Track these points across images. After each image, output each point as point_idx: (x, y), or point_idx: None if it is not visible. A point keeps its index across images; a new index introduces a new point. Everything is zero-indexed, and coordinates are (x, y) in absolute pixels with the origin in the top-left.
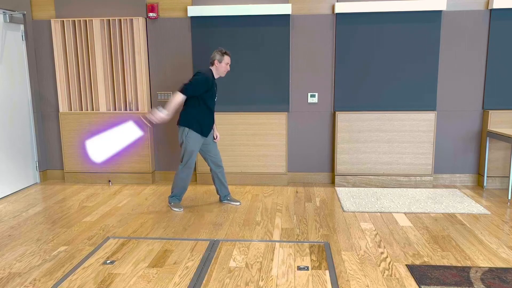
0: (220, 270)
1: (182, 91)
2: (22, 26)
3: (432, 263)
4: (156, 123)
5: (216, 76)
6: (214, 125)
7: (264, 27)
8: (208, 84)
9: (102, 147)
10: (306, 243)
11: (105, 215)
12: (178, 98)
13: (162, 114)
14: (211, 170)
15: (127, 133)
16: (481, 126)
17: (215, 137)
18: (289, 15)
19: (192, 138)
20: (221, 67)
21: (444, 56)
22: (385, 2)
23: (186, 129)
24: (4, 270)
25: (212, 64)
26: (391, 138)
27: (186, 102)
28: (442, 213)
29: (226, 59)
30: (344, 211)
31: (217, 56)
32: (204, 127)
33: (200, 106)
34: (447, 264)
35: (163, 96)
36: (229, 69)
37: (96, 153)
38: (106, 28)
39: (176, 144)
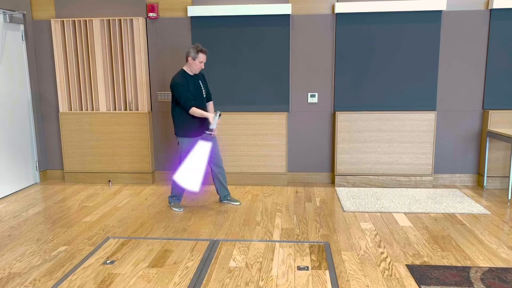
0: (220, 270)
1: (187, 108)
2: (22, 26)
3: (432, 263)
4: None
5: (189, 73)
6: (215, 119)
7: (264, 27)
8: (184, 86)
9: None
10: (306, 243)
11: (105, 215)
12: (193, 112)
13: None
14: (211, 170)
15: (200, 151)
16: (481, 126)
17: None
18: (289, 15)
19: (186, 143)
20: (194, 64)
21: (444, 56)
22: (385, 2)
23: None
24: (4, 270)
25: (186, 60)
26: (391, 138)
27: (173, 112)
28: (442, 213)
29: (201, 57)
30: (344, 211)
31: (192, 53)
32: (193, 129)
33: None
34: (447, 264)
35: (163, 96)
36: (203, 67)
37: (189, 182)
38: (106, 28)
39: (176, 144)
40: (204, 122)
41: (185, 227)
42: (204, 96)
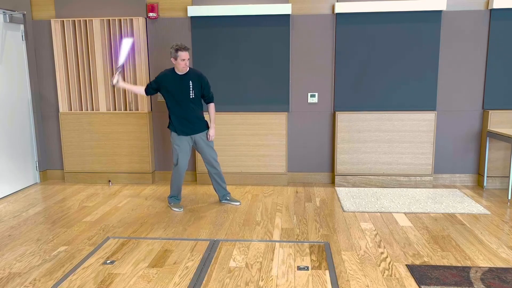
0: (220, 270)
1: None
2: (22, 26)
3: (432, 263)
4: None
5: (178, 73)
6: (212, 124)
7: (264, 27)
8: (157, 82)
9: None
10: (306, 243)
11: (105, 215)
12: (138, 89)
13: (114, 82)
14: (208, 171)
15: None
16: (481, 126)
17: (208, 137)
18: (289, 15)
19: (175, 137)
20: (178, 64)
21: (444, 56)
22: (385, 2)
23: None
24: (4, 270)
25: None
26: (391, 138)
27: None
28: (442, 213)
29: (181, 55)
30: (344, 211)
31: (172, 53)
32: (177, 126)
33: (169, 107)
34: (447, 264)
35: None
36: (187, 64)
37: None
38: (106, 28)
39: None
40: (186, 122)
41: (185, 227)
42: (192, 97)
